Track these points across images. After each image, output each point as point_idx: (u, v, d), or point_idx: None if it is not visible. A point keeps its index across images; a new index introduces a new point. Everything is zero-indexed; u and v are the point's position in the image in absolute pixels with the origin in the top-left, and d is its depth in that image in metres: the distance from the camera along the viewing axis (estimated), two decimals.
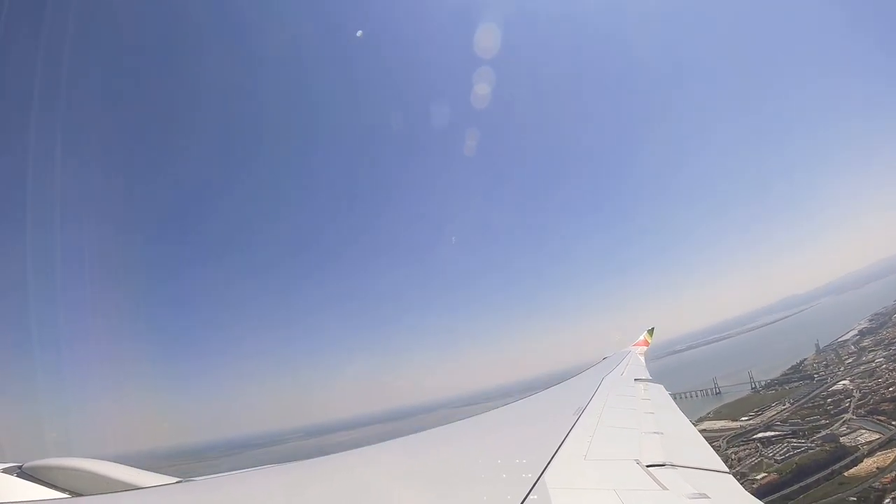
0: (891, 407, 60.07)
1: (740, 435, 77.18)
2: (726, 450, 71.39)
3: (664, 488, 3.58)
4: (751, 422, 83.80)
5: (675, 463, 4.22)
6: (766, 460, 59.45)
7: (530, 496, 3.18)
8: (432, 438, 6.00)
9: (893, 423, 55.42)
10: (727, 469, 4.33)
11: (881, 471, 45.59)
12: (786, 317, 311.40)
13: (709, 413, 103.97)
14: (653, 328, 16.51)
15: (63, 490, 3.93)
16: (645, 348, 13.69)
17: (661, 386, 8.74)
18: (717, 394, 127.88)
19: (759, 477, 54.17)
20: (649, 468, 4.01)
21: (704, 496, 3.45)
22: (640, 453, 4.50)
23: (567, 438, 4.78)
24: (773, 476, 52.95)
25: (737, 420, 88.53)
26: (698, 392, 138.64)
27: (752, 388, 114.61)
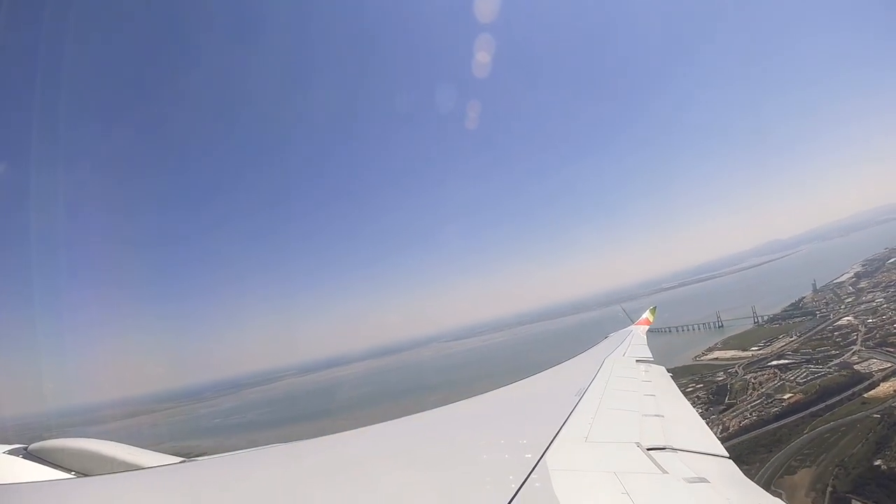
0: None
1: (755, 362, 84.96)
2: (744, 375, 79.36)
3: (664, 472, 3.67)
4: (761, 351, 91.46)
5: (675, 446, 4.35)
6: (787, 383, 67.54)
7: (531, 477, 3.25)
8: (433, 419, 6.12)
9: None
10: (727, 454, 4.48)
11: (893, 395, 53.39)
12: (773, 259, 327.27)
13: (717, 343, 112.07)
14: (655, 307, 16.88)
15: (68, 471, 4.00)
16: (647, 327, 13.51)
17: (663, 367, 8.88)
18: (719, 327, 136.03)
19: (785, 397, 62.11)
20: (650, 451, 4.13)
21: (704, 480, 3.56)
22: (641, 436, 4.60)
23: (568, 420, 4.89)
24: (799, 396, 60.88)
25: (747, 350, 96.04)
26: (700, 325, 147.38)
27: (754, 322, 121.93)
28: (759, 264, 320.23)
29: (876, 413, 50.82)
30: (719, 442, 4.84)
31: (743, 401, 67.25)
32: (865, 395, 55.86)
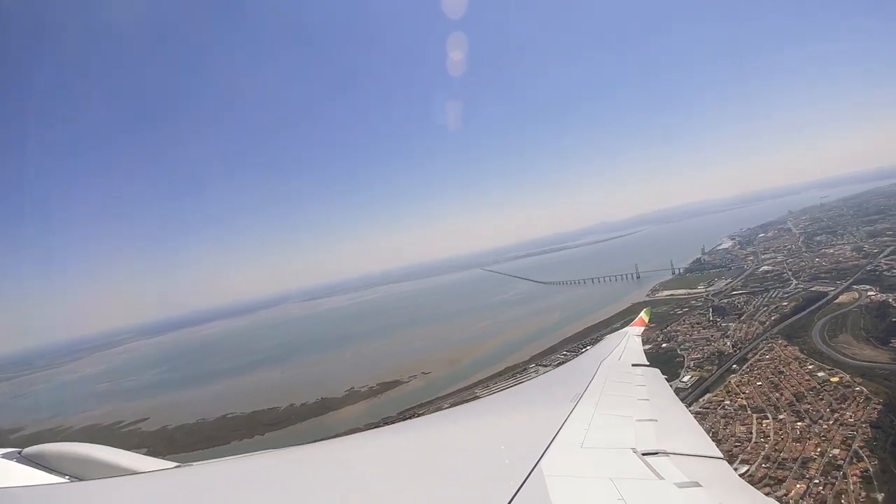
0: (827, 276, 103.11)
1: (717, 293, 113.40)
2: (720, 301, 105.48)
3: (660, 477, 3.81)
4: (710, 289, 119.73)
5: (669, 450, 4.56)
6: (773, 299, 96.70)
7: (527, 483, 3.34)
8: (427, 424, 6.35)
9: (837, 281, 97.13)
10: (721, 455, 4.82)
11: (856, 300, 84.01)
12: (618, 236, 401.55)
13: (656, 286, 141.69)
14: (650, 308, 17.89)
15: (62, 475, 4.01)
16: (642, 328, 13.85)
17: (657, 370, 9.11)
18: (637, 278, 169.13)
19: (784, 304, 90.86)
20: (645, 456, 4.29)
21: (696, 484, 3.73)
22: (636, 441, 4.77)
23: (564, 426, 5.02)
24: (795, 302, 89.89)
25: (695, 288, 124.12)
26: (617, 277, 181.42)
27: (673, 273, 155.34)
28: (606, 239, 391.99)
29: (854, 308, 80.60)
30: (714, 444, 5.12)
31: (745, 312, 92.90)
32: (835, 302, 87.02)
